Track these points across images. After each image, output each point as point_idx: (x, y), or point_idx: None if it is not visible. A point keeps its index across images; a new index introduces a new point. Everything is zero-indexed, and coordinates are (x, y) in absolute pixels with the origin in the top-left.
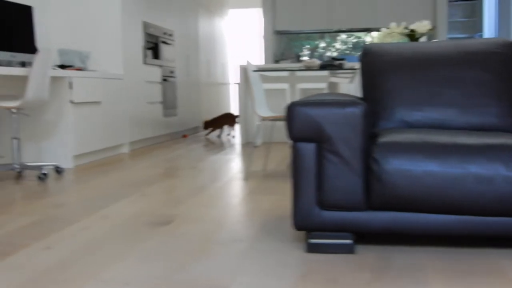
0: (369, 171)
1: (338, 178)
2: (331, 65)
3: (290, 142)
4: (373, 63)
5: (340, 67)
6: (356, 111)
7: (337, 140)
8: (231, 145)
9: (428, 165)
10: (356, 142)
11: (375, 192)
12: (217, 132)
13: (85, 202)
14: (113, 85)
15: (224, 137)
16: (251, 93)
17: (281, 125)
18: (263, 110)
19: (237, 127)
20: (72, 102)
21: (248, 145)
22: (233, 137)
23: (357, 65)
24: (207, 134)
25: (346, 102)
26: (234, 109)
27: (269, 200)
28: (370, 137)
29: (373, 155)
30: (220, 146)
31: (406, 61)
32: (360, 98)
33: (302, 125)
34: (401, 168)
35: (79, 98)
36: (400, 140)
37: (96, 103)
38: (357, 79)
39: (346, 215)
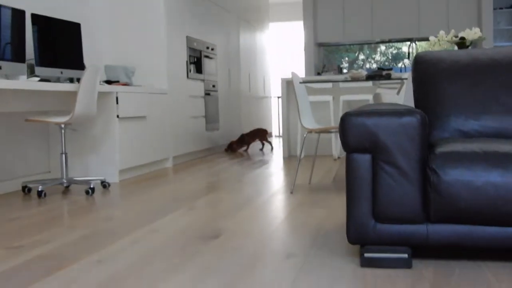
0: (427, 182)
1: (395, 189)
2: (379, 75)
3: (336, 154)
4: (426, 71)
5: (388, 77)
6: (414, 120)
7: (394, 150)
8: (270, 159)
9: (489, 175)
10: (414, 152)
11: (433, 204)
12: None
13: (134, 216)
14: (158, 99)
15: (253, 151)
16: (297, 105)
17: (325, 138)
18: (309, 122)
19: (272, 141)
20: (118, 117)
21: (290, 158)
22: (268, 149)
23: (404, 75)
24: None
25: (403, 111)
26: (274, 123)
27: (317, 213)
28: (427, 147)
29: (431, 166)
30: (262, 160)
31: (462, 68)
32: None
33: (357, 135)
34: (461, 178)
35: (125, 113)
36: (459, 150)
37: (141, 117)
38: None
39: (402, 228)
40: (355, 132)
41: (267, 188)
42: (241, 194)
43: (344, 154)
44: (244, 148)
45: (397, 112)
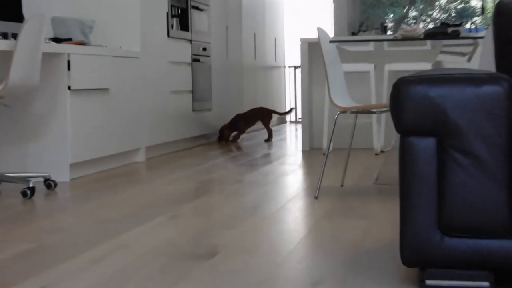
0: None
1: (470, 188)
2: (442, 32)
3: (378, 147)
4: None
5: (455, 35)
6: (499, 90)
7: (469, 133)
8: (284, 152)
9: None
10: (498, 136)
11: None
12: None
13: (92, 226)
14: (126, 66)
15: (253, 141)
16: (325, 76)
17: (363, 123)
18: (342, 98)
19: (279, 125)
20: (70, 89)
21: (312, 152)
22: (271, 141)
23: (478, 34)
24: (231, 140)
25: (483, 77)
26: (289, 102)
27: (354, 226)
28: None
29: None
30: (272, 154)
31: None
32: None
33: (417, 110)
34: None
35: (80, 84)
36: None
37: (103, 91)
38: (479, 55)
39: (482, 243)
40: (414, 106)
41: (281, 191)
42: (243, 199)
43: (391, 145)
44: (235, 134)
45: (475, 78)
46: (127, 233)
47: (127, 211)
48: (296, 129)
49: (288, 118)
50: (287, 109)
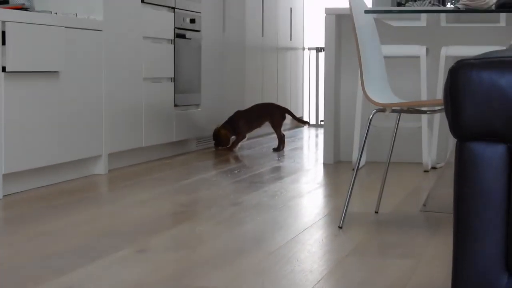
0: None
1: None
2: None
3: (428, 161)
4: None
5: None
6: None
7: None
8: (299, 166)
9: None
10: None
11: None
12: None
13: (31, 261)
14: (84, 42)
15: (257, 151)
16: (359, 61)
17: (408, 129)
18: (382, 92)
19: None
20: (4, 70)
21: (339, 166)
22: (281, 151)
23: None
24: (229, 147)
25: None
26: (309, 98)
27: (392, 267)
28: None
29: None
30: (283, 168)
31: None
32: None
33: (482, 105)
34: None
35: (19, 65)
36: None
37: (50, 75)
38: None
39: None
40: (478, 99)
41: (293, 218)
42: (241, 229)
43: (446, 159)
44: (232, 140)
45: None
46: (76, 272)
47: (78, 242)
48: (317, 135)
49: (306, 119)
50: (306, 113)
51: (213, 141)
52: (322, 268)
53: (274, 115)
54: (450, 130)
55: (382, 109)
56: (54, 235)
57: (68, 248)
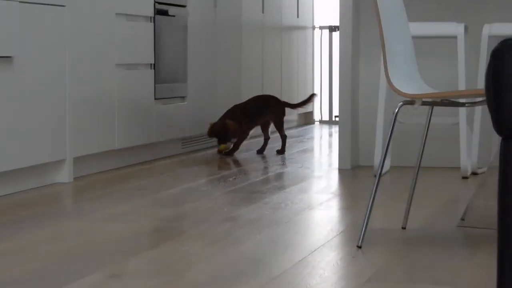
0: None
1: None
2: None
3: (468, 166)
4: None
5: None
6: None
7: None
8: (309, 171)
9: None
10: None
11: None
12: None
13: None
14: (43, 20)
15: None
16: (382, 42)
17: (442, 127)
18: (410, 81)
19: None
20: None
21: (358, 172)
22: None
23: None
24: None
25: None
26: (321, 88)
27: None
28: None
29: None
30: (290, 173)
31: None
32: None
33: None
34: None
35: None
36: None
37: (1, 60)
38: None
39: None
40: None
41: (301, 236)
42: (237, 249)
43: (490, 164)
44: (233, 143)
45: None
46: None
47: (37, 265)
48: (331, 134)
49: (317, 116)
50: (317, 106)
51: (219, 146)
52: None
53: (277, 111)
54: (493, 126)
55: (410, 101)
56: (9, 256)
57: (25, 273)
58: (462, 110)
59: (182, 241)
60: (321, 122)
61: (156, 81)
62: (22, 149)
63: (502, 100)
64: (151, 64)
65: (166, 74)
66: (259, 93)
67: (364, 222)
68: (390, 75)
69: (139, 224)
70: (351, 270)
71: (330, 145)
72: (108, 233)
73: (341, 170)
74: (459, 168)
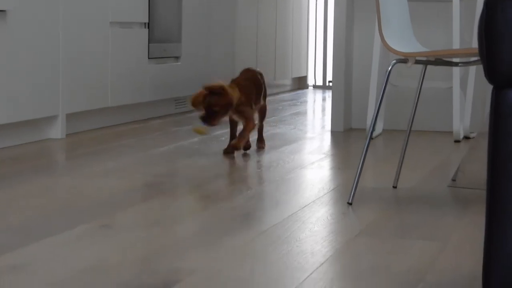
0: None
1: None
2: None
3: (459, 130)
4: None
5: None
6: None
7: None
8: (302, 134)
9: None
10: None
11: None
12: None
13: None
14: None
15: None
16: (376, 3)
17: (435, 90)
18: (404, 39)
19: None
20: None
21: (350, 134)
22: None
23: None
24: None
25: None
26: (315, 52)
27: (411, 250)
28: None
29: None
30: (283, 134)
31: None
32: None
33: None
34: None
35: None
36: None
37: None
38: None
39: None
40: None
41: (292, 192)
42: (227, 204)
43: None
44: (240, 132)
45: None
46: (23, 250)
47: (26, 217)
48: (324, 98)
49: (310, 81)
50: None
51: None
52: (326, 250)
53: (262, 87)
54: (485, 75)
55: (403, 59)
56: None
57: (13, 225)
58: (456, 74)
59: (173, 196)
60: (315, 87)
61: (150, 40)
62: (15, 104)
63: (495, 48)
64: (145, 23)
65: (160, 34)
66: (253, 58)
67: (354, 180)
68: (384, 33)
69: (131, 179)
70: (341, 225)
71: (323, 109)
72: (100, 187)
73: (333, 132)
74: (451, 132)
